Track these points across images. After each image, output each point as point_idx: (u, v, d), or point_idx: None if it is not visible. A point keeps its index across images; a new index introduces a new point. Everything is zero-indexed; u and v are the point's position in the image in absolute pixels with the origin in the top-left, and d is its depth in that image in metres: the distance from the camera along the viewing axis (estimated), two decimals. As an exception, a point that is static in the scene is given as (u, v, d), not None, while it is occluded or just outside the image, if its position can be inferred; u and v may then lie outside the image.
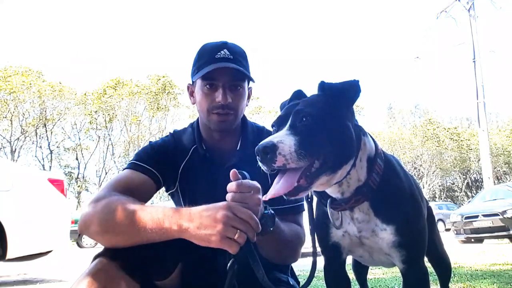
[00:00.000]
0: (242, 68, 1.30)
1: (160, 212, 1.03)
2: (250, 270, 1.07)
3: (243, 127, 1.43)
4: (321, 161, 0.92)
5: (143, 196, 1.25)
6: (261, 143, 0.88)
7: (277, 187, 0.91)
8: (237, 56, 1.32)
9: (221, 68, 1.26)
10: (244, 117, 1.44)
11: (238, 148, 1.38)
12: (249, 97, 1.43)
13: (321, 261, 1.21)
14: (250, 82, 1.40)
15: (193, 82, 1.39)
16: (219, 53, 1.29)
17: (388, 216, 1.04)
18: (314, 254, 1.14)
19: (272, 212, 1.08)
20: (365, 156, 1.03)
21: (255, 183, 1.03)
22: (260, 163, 0.90)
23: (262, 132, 1.45)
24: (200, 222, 0.97)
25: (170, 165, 1.36)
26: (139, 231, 1.03)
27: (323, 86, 1.03)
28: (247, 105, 1.41)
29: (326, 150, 0.92)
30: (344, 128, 0.97)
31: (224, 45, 1.32)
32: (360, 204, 1.03)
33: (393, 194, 1.06)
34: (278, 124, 0.99)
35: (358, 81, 1.01)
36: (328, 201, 1.04)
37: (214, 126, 1.33)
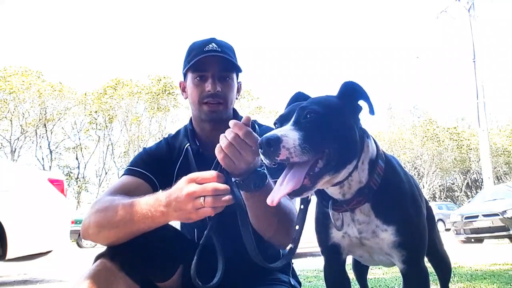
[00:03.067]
0: (229, 54, 1.36)
1: (143, 202, 1.06)
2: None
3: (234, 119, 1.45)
4: (325, 161, 0.91)
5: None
6: (264, 136, 0.87)
7: (283, 187, 0.90)
8: (225, 49, 1.37)
9: (210, 58, 1.32)
10: (235, 110, 1.48)
11: None
12: (238, 91, 1.48)
13: (321, 261, 1.21)
14: (239, 76, 1.46)
15: (184, 77, 1.45)
16: (208, 47, 1.35)
17: (389, 216, 1.03)
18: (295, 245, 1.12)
19: (265, 171, 1.07)
20: (367, 158, 1.02)
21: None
22: (262, 156, 0.89)
23: (253, 125, 1.48)
24: (175, 205, 1.01)
25: (165, 168, 1.39)
26: (129, 222, 1.06)
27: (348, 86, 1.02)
28: (237, 98, 1.47)
29: (330, 149, 0.92)
30: (349, 129, 0.97)
31: (212, 39, 1.39)
32: (361, 205, 1.03)
33: (393, 194, 1.05)
34: (281, 121, 0.98)
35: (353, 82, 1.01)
36: (330, 202, 1.04)
37: (205, 116, 1.37)
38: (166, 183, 1.37)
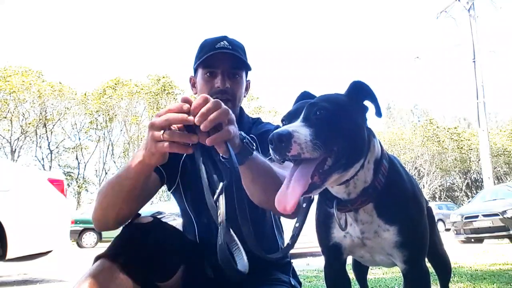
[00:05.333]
0: (240, 52, 1.38)
1: (130, 159, 1.10)
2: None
3: (240, 117, 1.49)
4: (334, 159, 0.90)
5: (148, 190, 1.30)
6: (275, 131, 0.85)
7: (292, 190, 0.87)
8: (236, 47, 1.40)
9: (221, 55, 1.35)
10: (241, 108, 1.51)
11: None
12: (247, 89, 1.51)
13: (321, 261, 1.21)
14: (248, 75, 1.49)
15: (195, 73, 1.47)
16: (219, 44, 1.38)
17: (391, 216, 1.03)
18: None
19: (247, 137, 1.03)
20: (373, 158, 1.02)
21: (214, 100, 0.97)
22: (272, 152, 0.87)
23: (256, 122, 1.53)
24: (144, 143, 1.01)
25: (171, 160, 1.38)
26: (122, 181, 1.09)
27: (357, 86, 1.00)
28: (245, 96, 1.49)
29: (340, 146, 0.91)
30: (358, 128, 0.96)
31: (224, 37, 1.41)
32: (365, 205, 1.02)
33: (396, 194, 1.05)
34: (289, 118, 0.97)
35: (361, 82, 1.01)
36: (334, 202, 1.03)
37: None
38: (172, 174, 1.41)
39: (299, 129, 0.87)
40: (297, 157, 0.86)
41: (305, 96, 1.09)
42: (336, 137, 0.90)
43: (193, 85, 1.50)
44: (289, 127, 0.88)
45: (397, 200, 1.05)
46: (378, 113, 0.99)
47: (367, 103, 1.01)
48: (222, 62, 1.37)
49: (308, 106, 0.93)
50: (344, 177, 0.96)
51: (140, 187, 1.12)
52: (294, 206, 0.85)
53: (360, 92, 1.00)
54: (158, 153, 0.99)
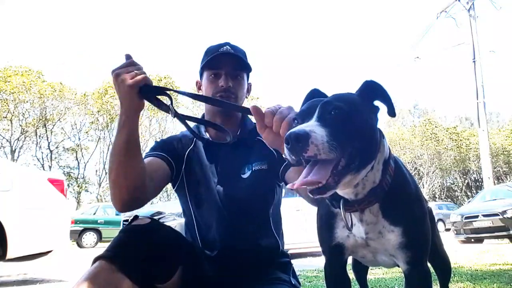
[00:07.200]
0: (241, 56, 1.48)
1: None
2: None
3: (242, 118, 1.58)
4: (347, 160, 0.88)
5: (159, 176, 1.38)
6: (292, 130, 0.83)
7: (310, 177, 0.85)
8: (238, 52, 1.49)
9: (224, 57, 1.45)
10: None
11: (237, 133, 1.52)
12: (248, 91, 1.59)
13: (321, 261, 1.20)
14: (250, 78, 1.58)
15: (201, 77, 1.56)
16: (223, 48, 1.47)
17: (396, 217, 1.02)
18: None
19: None
20: (382, 158, 1.00)
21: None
22: (287, 152, 0.85)
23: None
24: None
25: (176, 150, 1.51)
26: (116, 150, 1.25)
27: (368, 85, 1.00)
28: (246, 97, 1.57)
29: (354, 147, 0.89)
30: (371, 129, 0.95)
31: (227, 43, 1.51)
32: (371, 205, 1.01)
33: (401, 195, 1.04)
34: (302, 117, 0.94)
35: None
36: (341, 202, 1.02)
37: (217, 109, 1.48)
38: (178, 164, 1.48)
39: (316, 129, 0.84)
40: (313, 158, 0.83)
41: (315, 94, 1.07)
42: (351, 138, 0.88)
43: (199, 87, 1.58)
44: (306, 126, 0.85)
45: (402, 201, 1.04)
46: (392, 113, 0.97)
47: (377, 102, 1.00)
48: (225, 63, 1.46)
49: (323, 105, 0.91)
50: (357, 178, 0.93)
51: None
52: (299, 185, 0.84)
53: (372, 91, 0.99)
54: (124, 90, 1.16)
